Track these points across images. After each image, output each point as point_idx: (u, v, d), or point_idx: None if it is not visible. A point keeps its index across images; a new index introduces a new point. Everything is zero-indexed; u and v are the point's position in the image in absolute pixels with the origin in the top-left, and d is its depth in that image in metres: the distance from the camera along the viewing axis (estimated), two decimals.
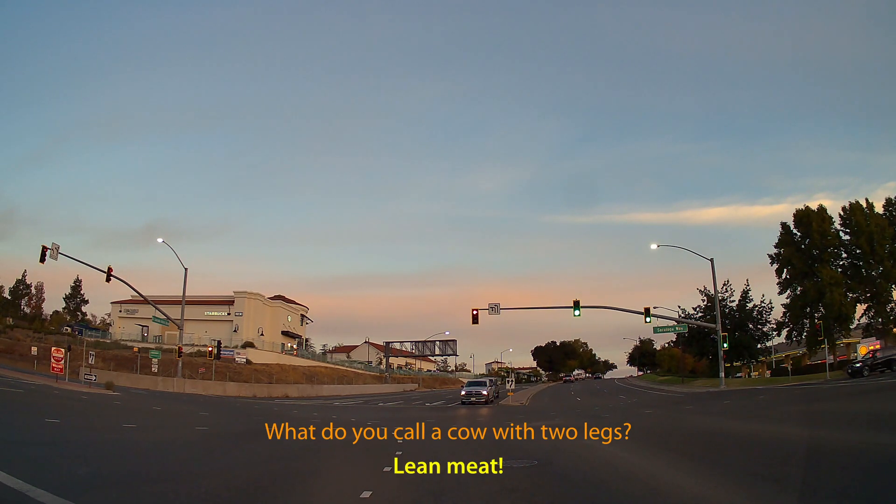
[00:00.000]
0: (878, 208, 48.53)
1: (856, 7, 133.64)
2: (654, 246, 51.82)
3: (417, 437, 15.91)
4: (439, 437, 16.72)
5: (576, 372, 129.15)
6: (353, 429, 18.82)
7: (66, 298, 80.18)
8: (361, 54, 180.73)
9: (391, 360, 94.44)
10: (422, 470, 9.87)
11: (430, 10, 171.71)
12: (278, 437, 16.30)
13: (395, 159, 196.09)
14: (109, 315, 79.80)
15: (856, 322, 49.07)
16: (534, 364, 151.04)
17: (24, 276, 77.71)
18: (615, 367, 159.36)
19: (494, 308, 41.98)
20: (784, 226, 51.65)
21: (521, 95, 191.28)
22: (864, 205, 48.31)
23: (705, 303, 58.14)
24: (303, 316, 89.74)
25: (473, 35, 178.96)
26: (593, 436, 13.92)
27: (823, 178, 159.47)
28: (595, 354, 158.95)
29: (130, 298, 68.11)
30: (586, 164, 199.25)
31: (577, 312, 41.18)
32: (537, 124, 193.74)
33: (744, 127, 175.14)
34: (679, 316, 56.12)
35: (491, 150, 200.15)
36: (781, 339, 57.44)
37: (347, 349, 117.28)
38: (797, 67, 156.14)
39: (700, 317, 58.00)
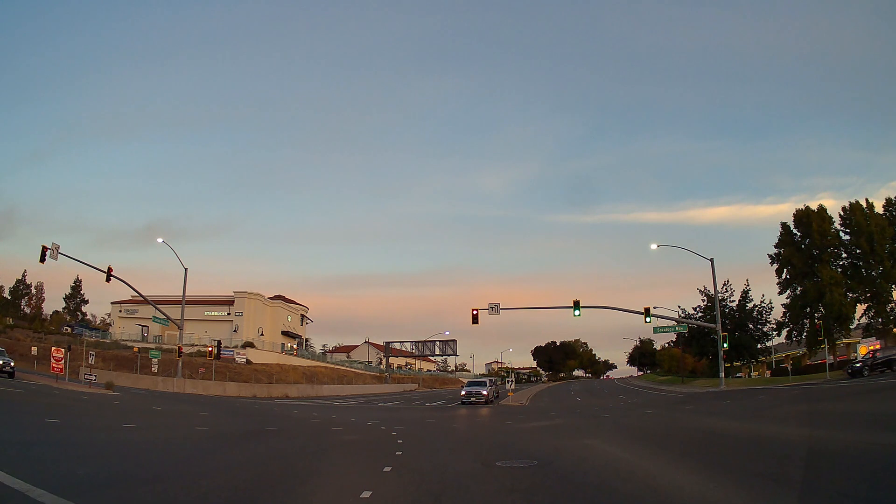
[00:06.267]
0: (879, 208, 48.59)
1: (861, 6, 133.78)
2: (653, 246, 51.92)
3: (417, 437, 15.91)
4: (439, 437, 16.74)
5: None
6: (354, 429, 18.84)
7: (66, 298, 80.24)
8: (365, 51, 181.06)
9: (391, 360, 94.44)
10: (422, 470, 9.88)
11: (435, 8, 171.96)
12: (278, 437, 16.32)
13: (397, 158, 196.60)
14: (109, 315, 79.81)
15: (856, 322, 49.07)
16: (534, 364, 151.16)
17: (24, 276, 77.98)
18: (615, 367, 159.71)
19: (494, 308, 41.97)
20: (784, 226, 51.68)
21: (527, 94, 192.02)
22: (865, 205, 48.33)
23: (705, 303, 58.25)
24: (303, 316, 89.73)
25: (479, 33, 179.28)
26: (593, 436, 13.91)
27: (827, 178, 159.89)
28: (595, 354, 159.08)
29: (130, 298, 68.11)
30: (590, 163, 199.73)
31: (577, 312, 41.17)
32: (542, 123, 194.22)
33: (749, 126, 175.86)
34: (679, 316, 56.16)
35: (495, 148, 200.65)
36: (781, 339, 57.61)
37: (347, 349, 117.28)
38: (802, 66, 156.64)
39: (700, 317, 58.06)
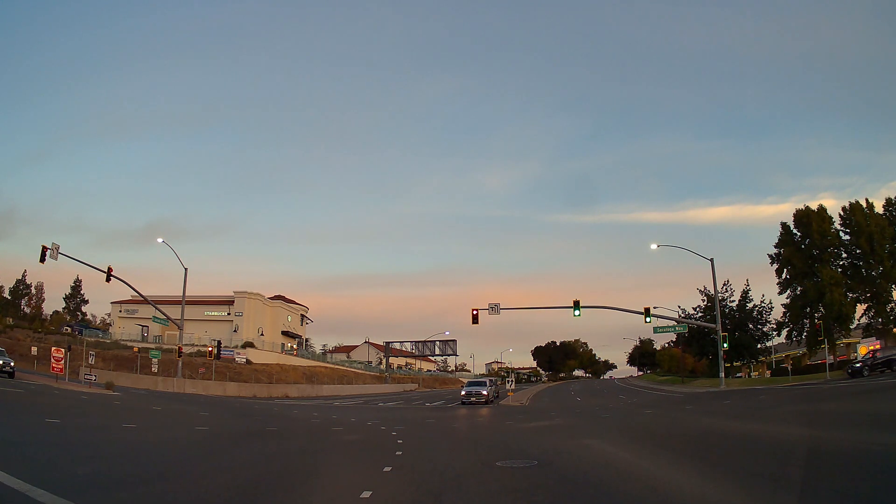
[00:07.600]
0: (879, 208, 48.58)
1: (861, 6, 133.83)
2: (653, 246, 51.96)
3: (417, 437, 15.92)
4: (439, 437, 16.74)
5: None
6: (354, 429, 18.83)
7: (66, 298, 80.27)
8: (365, 51, 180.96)
9: (391, 360, 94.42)
10: (422, 470, 9.88)
11: (436, 7, 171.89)
12: (278, 437, 16.32)
13: (398, 158, 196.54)
14: (109, 315, 79.79)
15: (856, 322, 49.04)
16: (534, 364, 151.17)
17: (24, 276, 77.94)
18: (615, 367, 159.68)
19: (494, 308, 41.95)
20: (784, 226, 51.66)
21: (527, 94, 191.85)
22: (865, 205, 48.32)
23: (705, 303, 58.23)
24: (303, 316, 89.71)
25: (479, 33, 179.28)
26: (593, 436, 13.90)
27: (828, 178, 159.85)
28: (595, 354, 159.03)
29: (130, 298, 68.09)
30: (591, 163, 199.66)
31: (577, 312, 41.15)
32: (542, 123, 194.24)
33: (749, 126, 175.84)
34: (679, 316, 56.15)
35: (496, 148, 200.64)
36: (781, 339, 57.58)
37: (347, 349, 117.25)
38: (802, 66, 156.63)
39: (700, 317, 58.05)
